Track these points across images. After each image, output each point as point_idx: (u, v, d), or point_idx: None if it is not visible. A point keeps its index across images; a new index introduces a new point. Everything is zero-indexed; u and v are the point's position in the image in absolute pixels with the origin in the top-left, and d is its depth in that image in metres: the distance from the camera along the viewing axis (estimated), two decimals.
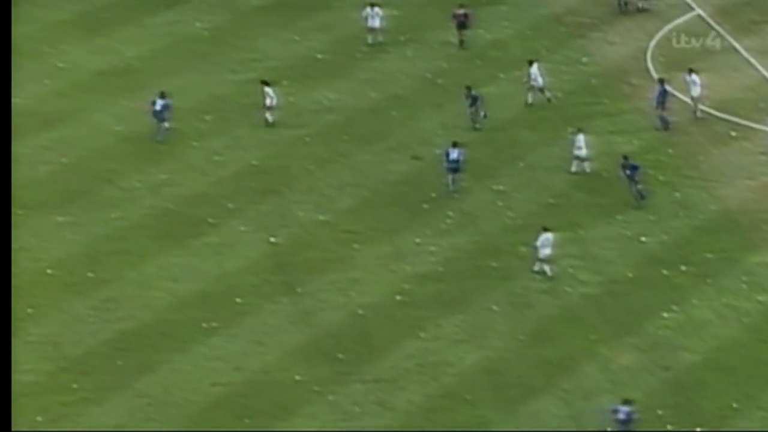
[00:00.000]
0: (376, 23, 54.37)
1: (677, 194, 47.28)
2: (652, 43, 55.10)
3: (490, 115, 51.11)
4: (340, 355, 39.84)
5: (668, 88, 50.25)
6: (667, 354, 39.98)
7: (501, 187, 47.41)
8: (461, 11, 54.76)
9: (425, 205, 46.60)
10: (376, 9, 54.42)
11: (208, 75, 53.62)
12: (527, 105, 51.29)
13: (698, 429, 37.35)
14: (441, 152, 46.43)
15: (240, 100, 52.18)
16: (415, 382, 38.87)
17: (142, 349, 39.79)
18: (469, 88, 50.02)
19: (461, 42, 54.71)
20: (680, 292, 42.30)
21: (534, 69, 51.02)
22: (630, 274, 43.38)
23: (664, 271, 43.39)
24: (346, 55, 54.98)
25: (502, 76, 53.83)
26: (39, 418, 37.56)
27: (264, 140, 50.01)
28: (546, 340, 40.57)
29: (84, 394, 38.32)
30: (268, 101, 49.70)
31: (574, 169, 47.34)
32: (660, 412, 37.84)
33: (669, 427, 37.42)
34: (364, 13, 54.66)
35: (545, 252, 42.94)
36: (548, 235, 43.02)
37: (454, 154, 46.35)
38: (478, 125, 49.79)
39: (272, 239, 44.77)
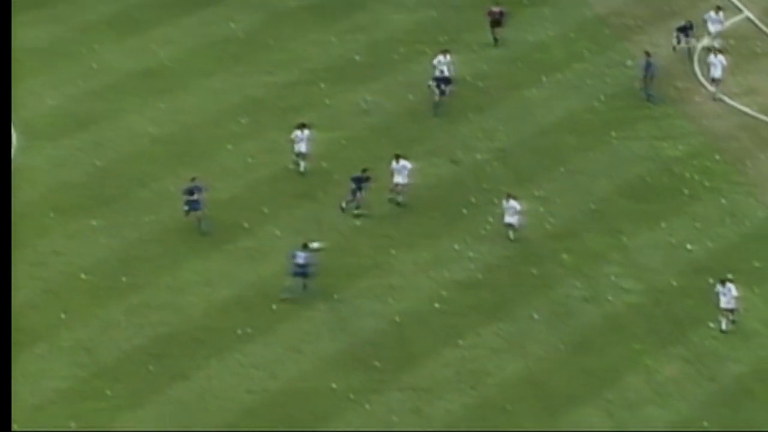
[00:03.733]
0: (445, 71, 50.98)
1: (724, 201, 46.54)
2: (699, 46, 54.26)
3: (532, 120, 50.47)
4: (377, 363, 39.47)
5: (653, 61, 50.40)
6: (714, 364, 39.39)
7: (542, 193, 46.77)
8: (497, 9, 54.33)
9: (464, 210, 45.98)
10: (448, 56, 51.20)
11: (243, 77, 53.19)
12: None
13: None
14: (289, 254, 41.66)
15: (275, 103, 51.74)
16: (453, 391, 38.45)
17: (176, 355, 39.49)
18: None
19: (495, 40, 54.20)
20: None
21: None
22: (675, 283, 42.71)
23: (710, 280, 42.62)
24: (383, 57, 54.44)
25: (544, 79, 53.16)
26: (72, 424, 37.32)
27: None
28: (588, 349, 40.01)
29: (117, 401, 38.07)
30: (302, 147, 46.38)
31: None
32: (706, 423, 37.37)
33: None
34: (435, 61, 51.42)
35: (511, 219, 43.69)
36: (514, 203, 43.58)
37: (300, 258, 41.56)
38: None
39: (315, 245, 44.07)
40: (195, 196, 43.82)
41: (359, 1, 57.55)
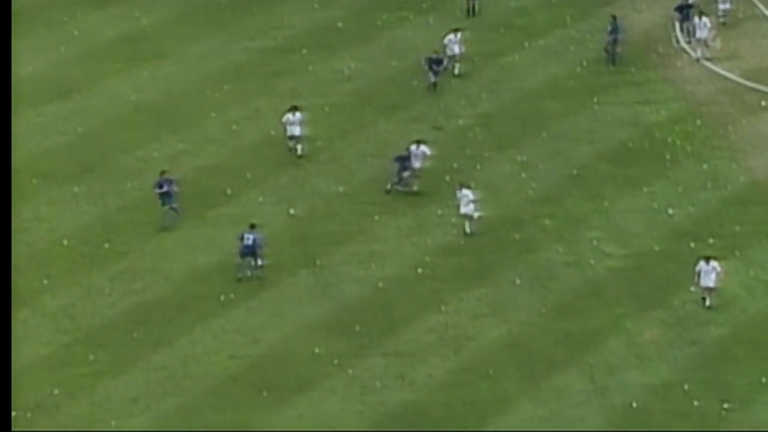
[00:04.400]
0: (455, 50, 50.50)
1: (705, 165, 46.64)
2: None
3: (514, 86, 50.44)
4: (360, 328, 39.52)
5: (620, 24, 50.78)
6: (694, 328, 39.52)
7: (524, 158, 46.85)
8: None
9: (447, 176, 46.02)
10: (459, 35, 50.65)
11: (226, 43, 53.17)
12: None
13: (726, 404, 36.79)
14: (238, 236, 41.09)
15: (258, 69, 51.71)
16: (436, 356, 38.54)
17: (159, 321, 39.49)
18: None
19: (469, 10, 53.71)
20: None
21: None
22: (656, 247, 42.82)
23: (692, 244, 42.79)
24: (366, 24, 54.39)
25: (526, 45, 53.18)
26: (56, 391, 37.34)
27: (283, 110, 49.44)
28: (570, 313, 40.12)
29: (100, 367, 38.11)
30: (296, 130, 45.77)
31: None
32: (686, 386, 37.45)
33: (696, 403, 36.99)
34: (446, 40, 50.74)
35: (466, 209, 42.46)
36: (467, 192, 42.53)
37: (248, 239, 41.12)
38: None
39: (291, 211, 44.27)
40: (165, 189, 43.25)
41: None
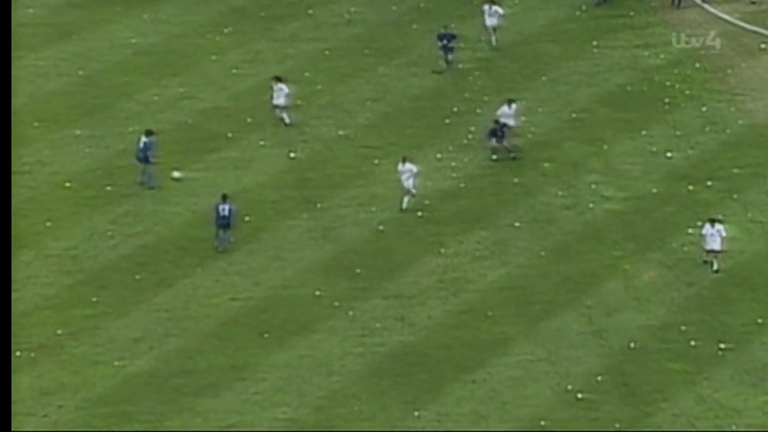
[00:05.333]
0: (494, 22, 48.91)
1: (704, 108, 46.75)
2: None
3: (514, 30, 50.46)
4: (360, 271, 39.75)
5: None
6: (692, 270, 39.73)
7: (524, 102, 46.91)
8: None
9: (447, 120, 46.17)
10: (495, 8, 48.90)
11: None
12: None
13: (722, 345, 37.13)
14: (212, 207, 40.16)
15: (258, 13, 51.72)
16: (435, 298, 38.79)
17: (161, 263, 39.73)
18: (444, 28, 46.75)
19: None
20: (706, 207, 41.85)
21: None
22: (654, 190, 43.03)
23: (690, 187, 43.01)
24: None
25: None
26: (59, 331, 37.66)
27: (284, 54, 49.57)
28: (568, 256, 40.36)
29: (103, 308, 38.37)
30: (281, 100, 45.06)
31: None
32: (684, 328, 37.71)
33: (692, 343, 37.28)
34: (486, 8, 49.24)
35: (408, 183, 41.12)
36: (410, 165, 41.24)
37: (224, 210, 40.34)
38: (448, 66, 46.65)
39: (292, 154, 44.44)
40: (142, 145, 42.29)
41: None
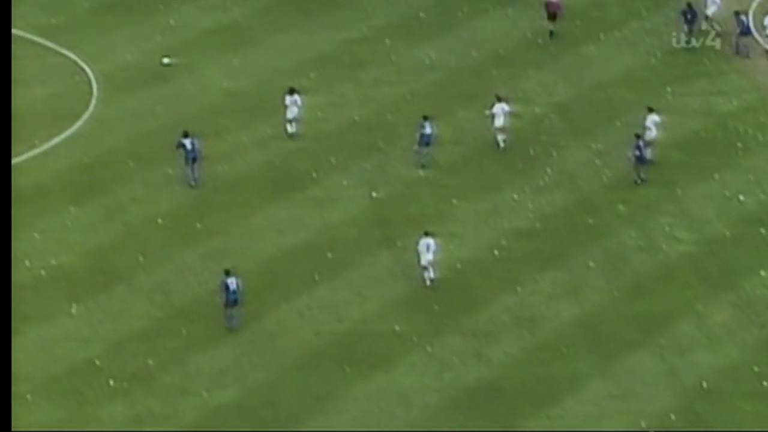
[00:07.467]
0: (653, 134, 47.12)
1: None
2: (754, 3, 54.73)
3: (590, 75, 51.25)
4: (439, 308, 40.33)
5: (696, 9, 51.39)
6: (764, 311, 40.00)
7: (599, 146, 47.57)
8: (555, 0, 52.73)
9: (523, 163, 46.70)
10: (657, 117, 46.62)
11: (313, 33, 54.05)
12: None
13: None
14: (220, 284, 39.42)
15: (343, 58, 52.70)
16: (511, 335, 39.33)
17: (247, 298, 40.44)
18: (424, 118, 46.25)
19: (551, 33, 52.91)
20: None
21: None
22: (727, 233, 43.42)
23: (762, 230, 43.36)
24: (448, 15, 55.21)
25: (602, 36, 53.87)
26: (150, 362, 38.70)
27: (367, 97, 50.47)
28: (642, 296, 40.75)
29: (192, 341, 39.29)
30: (290, 113, 46.75)
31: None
32: (756, 368, 38.00)
33: (765, 384, 37.58)
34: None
35: (428, 258, 40.47)
36: (429, 240, 40.55)
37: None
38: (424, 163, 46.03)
39: (374, 194, 45.42)
40: (190, 146, 44.51)
41: None
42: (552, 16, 53.05)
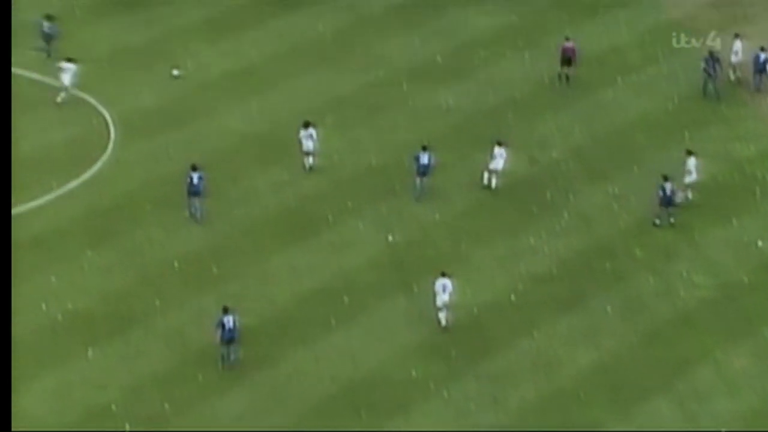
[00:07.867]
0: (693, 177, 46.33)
1: None
2: None
3: (607, 120, 51.31)
4: (455, 353, 40.34)
5: (719, 57, 51.26)
6: None
7: (616, 190, 47.65)
8: (569, 45, 52.55)
9: (539, 207, 46.83)
10: (692, 158, 46.12)
11: (330, 78, 54.33)
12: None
13: None
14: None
15: (360, 103, 52.94)
16: (528, 381, 39.30)
17: (263, 343, 40.61)
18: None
19: (567, 78, 52.77)
20: None
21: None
22: (746, 279, 43.39)
23: None
24: (464, 59, 55.48)
25: (619, 80, 54.02)
26: (166, 406, 38.68)
27: (383, 141, 50.66)
28: (660, 341, 40.73)
29: (208, 385, 39.29)
30: (305, 146, 47.40)
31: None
32: None
33: None
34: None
35: (443, 298, 40.62)
36: (446, 281, 40.64)
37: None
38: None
39: (390, 238, 45.51)
40: (196, 180, 45.15)
41: (442, 4, 58.67)
42: (567, 62, 53.12)
